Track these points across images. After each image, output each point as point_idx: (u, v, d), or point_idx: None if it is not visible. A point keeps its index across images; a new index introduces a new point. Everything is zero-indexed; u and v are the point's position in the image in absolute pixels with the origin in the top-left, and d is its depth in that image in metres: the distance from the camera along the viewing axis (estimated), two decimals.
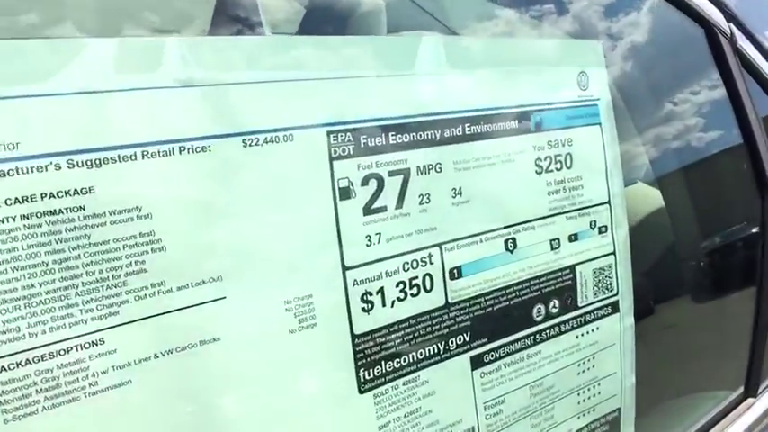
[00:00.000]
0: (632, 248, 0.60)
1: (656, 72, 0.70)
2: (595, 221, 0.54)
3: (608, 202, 0.54)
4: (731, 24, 0.68)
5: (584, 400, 0.55)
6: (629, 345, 0.57)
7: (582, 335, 0.53)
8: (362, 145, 0.41)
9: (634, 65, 0.66)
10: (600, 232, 0.54)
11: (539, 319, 0.51)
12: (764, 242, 0.74)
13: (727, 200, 0.87)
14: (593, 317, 0.54)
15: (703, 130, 0.76)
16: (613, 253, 0.55)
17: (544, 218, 0.50)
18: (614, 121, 0.55)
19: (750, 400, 0.75)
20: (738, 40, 0.69)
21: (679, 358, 0.80)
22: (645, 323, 0.76)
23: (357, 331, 0.41)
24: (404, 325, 0.43)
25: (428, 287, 0.44)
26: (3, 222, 0.29)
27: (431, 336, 0.44)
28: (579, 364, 0.54)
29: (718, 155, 0.80)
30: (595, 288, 0.54)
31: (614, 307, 0.56)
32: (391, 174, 0.42)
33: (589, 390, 0.55)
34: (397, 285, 0.43)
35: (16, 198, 0.30)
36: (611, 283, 0.55)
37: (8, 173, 0.29)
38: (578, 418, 0.54)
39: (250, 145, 0.36)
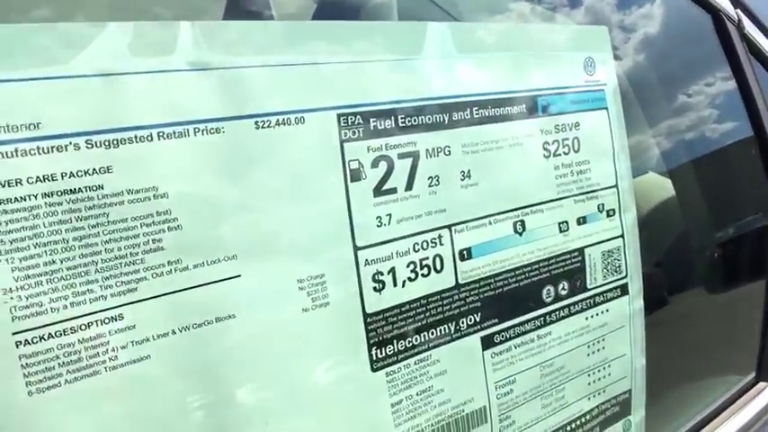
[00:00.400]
0: (644, 237, 0.60)
1: (664, 60, 0.69)
2: (603, 205, 0.53)
3: (615, 186, 0.54)
4: (738, 10, 0.67)
5: (594, 382, 0.54)
6: (639, 327, 0.57)
7: (591, 317, 0.53)
8: (372, 128, 0.41)
9: (642, 53, 0.65)
10: (608, 215, 0.54)
11: (548, 300, 0.50)
12: None
13: (740, 190, 0.86)
14: (602, 299, 0.54)
15: (712, 118, 0.75)
16: (622, 236, 0.55)
17: (552, 201, 0.50)
18: (621, 105, 0.54)
19: (762, 384, 0.74)
20: (746, 26, 0.68)
21: (690, 346, 0.79)
22: (656, 311, 0.76)
23: (369, 310, 0.41)
24: (415, 305, 0.43)
25: (438, 268, 0.44)
26: (25, 200, 0.30)
27: (441, 316, 0.44)
28: (589, 346, 0.53)
29: (728, 143, 0.79)
30: (604, 270, 0.54)
31: (623, 289, 0.55)
32: (401, 156, 0.42)
33: (599, 371, 0.54)
34: (408, 266, 0.43)
35: (37, 177, 0.30)
36: (619, 266, 0.55)
37: (30, 152, 0.30)
38: (589, 399, 0.54)
39: (262, 127, 0.36)
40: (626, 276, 0.55)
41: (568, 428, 0.53)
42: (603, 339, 0.54)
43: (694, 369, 0.75)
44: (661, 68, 0.69)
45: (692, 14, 0.66)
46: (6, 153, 0.29)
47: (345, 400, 0.40)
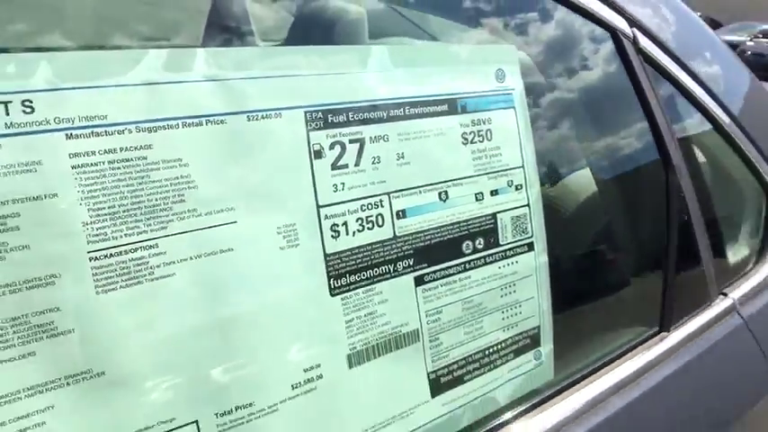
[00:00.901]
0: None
1: (572, 72, 0.87)
2: (512, 181, 0.71)
3: (522, 167, 0.71)
4: (634, 29, 0.85)
5: (507, 317, 0.71)
6: (545, 277, 0.74)
7: (503, 266, 0.70)
8: (330, 121, 0.58)
9: (552, 66, 0.83)
10: (516, 189, 0.71)
11: (467, 252, 0.67)
12: (669, 206, 0.91)
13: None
14: (512, 253, 0.71)
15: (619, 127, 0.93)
16: (527, 205, 0.72)
17: (470, 177, 0.67)
18: (527, 105, 0.72)
19: (663, 334, 0.91)
20: (641, 41, 0.86)
21: (609, 308, 0.96)
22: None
23: (328, 251, 0.58)
24: (362, 249, 0.60)
25: (380, 223, 0.61)
26: (97, 165, 0.47)
27: (383, 259, 0.61)
28: (502, 289, 0.71)
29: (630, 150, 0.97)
30: (513, 231, 0.71)
31: (530, 246, 0.73)
32: (351, 141, 0.59)
33: (512, 309, 0.72)
34: (357, 221, 0.60)
35: (105, 150, 0.47)
36: (526, 228, 0.72)
37: (101, 133, 0.47)
38: (503, 330, 0.71)
39: (252, 119, 0.54)
40: (532, 236, 0.73)
41: (487, 352, 0.70)
42: (514, 284, 0.71)
43: (610, 325, 0.93)
44: (569, 80, 0.86)
45: (595, 33, 0.84)
46: (85, 134, 0.46)
47: (311, 315, 0.57)
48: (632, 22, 0.85)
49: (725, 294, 1.02)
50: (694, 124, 0.99)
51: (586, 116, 0.90)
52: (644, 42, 0.86)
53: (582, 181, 0.93)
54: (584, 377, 0.81)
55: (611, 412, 0.78)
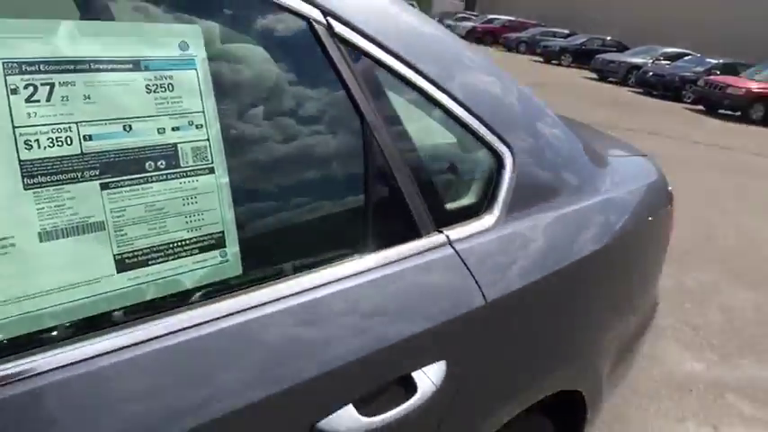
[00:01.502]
0: None
1: (273, 51, 1.18)
2: (192, 121, 1.01)
3: (202, 112, 1.02)
4: (328, 18, 1.16)
5: (191, 221, 1.01)
6: (227, 194, 1.04)
7: (184, 183, 1.00)
8: (24, 69, 0.88)
9: (248, 43, 1.14)
10: (197, 128, 1.01)
11: (150, 169, 0.97)
12: (366, 156, 1.21)
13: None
14: (193, 174, 1.01)
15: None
16: (208, 140, 1.02)
17: (153, 116, 0.97)
18: (209, 68, 1.02)
19: (366, 255, 1.21)
20: (336, 27, 1.17)
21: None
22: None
23: (22, 158, 0.87)
24: (52, 159, 0.89)
25: (69, 143, 0.91)
26: None
27: (71, 168, 0.91)
28: (184, 199, 1.00)
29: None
30: (194, 158, 1.01)
31: (211, 170, 1.02)
32: (42, 84, 0.89)
33: (195, 216, 1.01)
34: (48, 139, 0.89)
35: None
36: (206, 157, 1.02)
37: None
38: (187, 231, 1.01)
39: None
40: (212, 163, 1.02)
41: (172, 245, 0.99)
42: (195, 197, 1.01)
43: (320, 247, 1.22)
44: (267, 57, 1.17)
45: (292, 22, 1.15)
46: None
47: (7, 201, 0.86)
48: (326, 12, 1.16)
49: (440, 232, 1.32)
50: (400, 95, 1.30)
51: (288, 86, 1.20)
52: (339, 28, 1.17)
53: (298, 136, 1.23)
54: (274, 281, 1.10)
55: (285, 307, 1.07)
